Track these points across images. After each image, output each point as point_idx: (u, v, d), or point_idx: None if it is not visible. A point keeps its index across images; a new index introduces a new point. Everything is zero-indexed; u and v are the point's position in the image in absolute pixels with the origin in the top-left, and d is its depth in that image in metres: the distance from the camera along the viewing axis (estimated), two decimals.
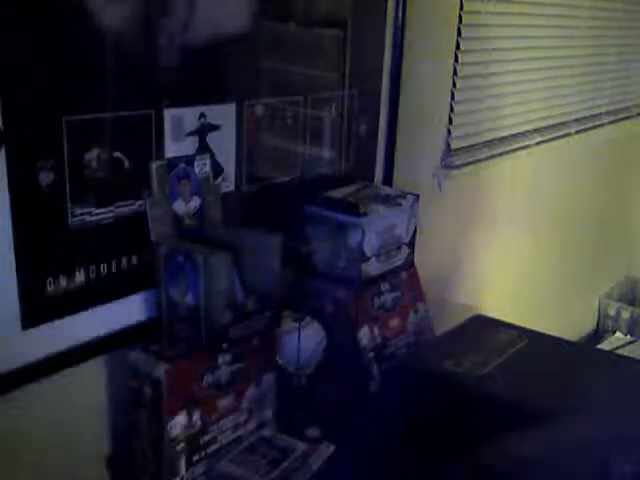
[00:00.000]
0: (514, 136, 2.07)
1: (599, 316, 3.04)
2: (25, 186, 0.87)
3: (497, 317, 1.91)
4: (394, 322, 1.34)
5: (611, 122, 2.58)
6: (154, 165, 1.01)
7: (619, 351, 2.67)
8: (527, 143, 2.11)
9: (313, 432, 1.09)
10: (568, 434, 1.03)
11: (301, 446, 1.06)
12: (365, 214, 1.25)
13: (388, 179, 1.55)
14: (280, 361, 1.13)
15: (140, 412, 0.97)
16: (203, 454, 1.00)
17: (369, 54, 1.42)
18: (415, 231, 1.40)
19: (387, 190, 1.42)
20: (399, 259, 1.37)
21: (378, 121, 1.49)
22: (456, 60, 1.73)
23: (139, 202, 1.00)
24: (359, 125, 1.43)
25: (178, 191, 1.04)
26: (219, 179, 1.13)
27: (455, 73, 1.74)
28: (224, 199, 1.12)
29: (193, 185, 1.06)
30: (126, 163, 0.98)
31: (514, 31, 1.96)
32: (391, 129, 1.53)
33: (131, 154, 0.98)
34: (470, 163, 1.86)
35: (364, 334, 1.26)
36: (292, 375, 1.15)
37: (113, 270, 1.00)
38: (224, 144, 1.13)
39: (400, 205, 1.34)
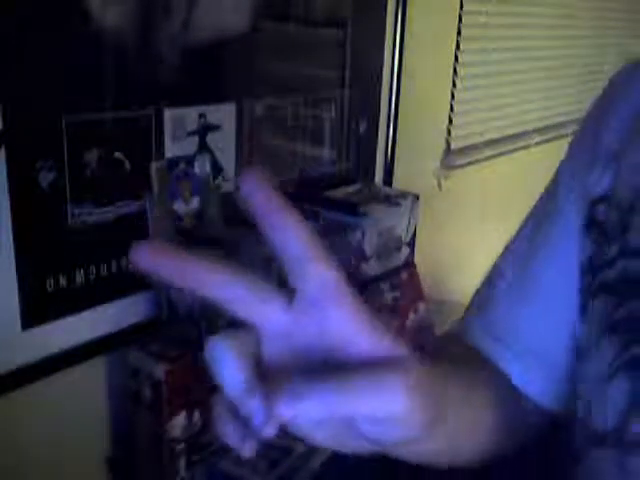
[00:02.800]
0: (514, 136, 2.07)
1: None
2: (25, 186, 0.86)
3: None
4: None
5: None
6: (154, 165, 1.01)
7: None
8: (527, 143, 2.11)
9: None
10: None
11: (301, 446, 1.06)
12: (365, 214, 1.25)
13: (388, 179, 1.55)
14: None
15: (140, 412, 0.97)
16: (203, 454, 1.00)
17: (369, 54, 1.42)
18: (415, 231, 1.40)
19: (387, 190, 1.42)
20: (399, 259, 1.37)
21: (378, 121, 1.49)
22: (456, 60, 1.73)
23: (139, 202, 1.00)
24: (359, 125, 1.43)
25: (178, 191, 1.04)
26: (219, 179, 1.13)
27: (455, 73, 1.74)
28: (224, 199, 1.12)
29: (193, 185, 1.06)
30: (126, 163, 0.98)
31: (514, 31, 1.96)
32: (391, 129, 1.53)
33: (131, 154, 0.98)
34: (470, 163, 1.87)
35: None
36: None
37: (113, 270, 0.99)
38: (224, 144, 1.12)
39: (400, 205, 1.34)
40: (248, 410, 0.33)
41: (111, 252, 0.99)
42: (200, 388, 0.97)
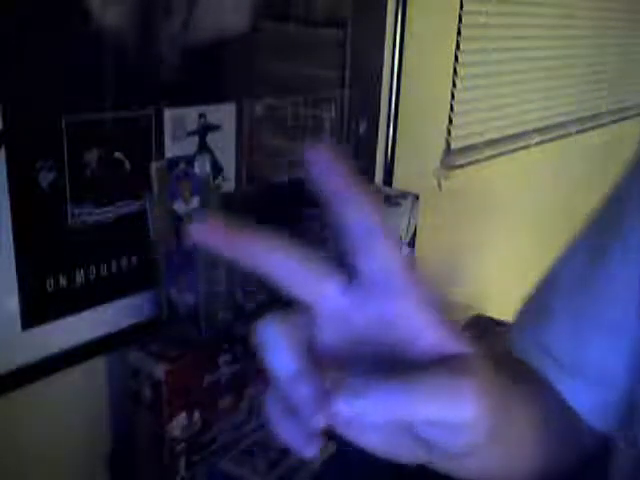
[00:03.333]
0: (514, 136, 2.07)
1: None
2: (25, 186, 0.86)
3: (497, 317, 1.91)
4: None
5: (611, 122, 2.58)
6: (154, 165, 1.01)
7: None
8: (527, 143, 2.11)
9: None
10: None
11: None
12: None
13: (388, 179, 1.55)
14: None
15: (140, 412, 0.97)
16: (203, 454, 1.00)
17: (369, 54, 1.42)
18: (415, 231, 1.40)
19: (387, 190, 1.42)
20: None
21: (378, 121, 1.49)
22: (456, 60, 1.73)
23: (139, 202, 1.00)
24: (359, 125, 1.43)
25: (178, 191, 1.04)
26: (219, 179, 1.13)
27: (455, 73, 1.74)
28: (224, 199, 1.12)
29: (193, 185, 1.06)
30: (126, 163, 0.98)
31: (514, 31, 1.96)
32: (391, 129, 1.53)
33: (131, 154, 0.98)
34: (470, 163, 1.87)
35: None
36: None
37: (113, 270, 0.99)
38: (224, 144, 1.12)
39: (400, 205, 1.34)
40: (299, 399, 0.30)
41: (111, 252, 0.99)
42: (200, 388, 0.98)
